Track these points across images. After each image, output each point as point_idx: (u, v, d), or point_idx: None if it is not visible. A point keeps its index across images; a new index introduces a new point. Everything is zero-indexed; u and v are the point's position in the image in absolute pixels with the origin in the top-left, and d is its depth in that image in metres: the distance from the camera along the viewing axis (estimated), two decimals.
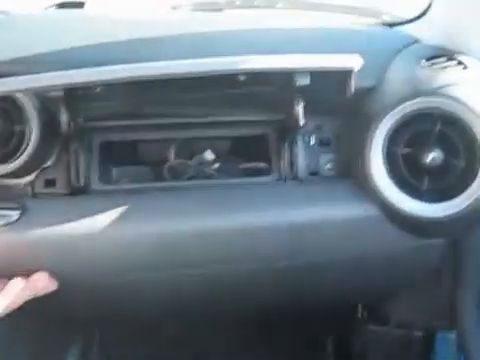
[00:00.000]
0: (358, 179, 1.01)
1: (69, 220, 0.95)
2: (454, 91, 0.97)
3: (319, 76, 0.93)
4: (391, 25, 1.27)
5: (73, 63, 0.91)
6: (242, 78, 0.94)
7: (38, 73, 0.87)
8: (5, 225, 0.94)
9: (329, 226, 1.01)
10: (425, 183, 0.96)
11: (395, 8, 1.37)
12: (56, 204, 1.00)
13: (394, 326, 1.30)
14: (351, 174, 1.04)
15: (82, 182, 1.03)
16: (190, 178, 1.07)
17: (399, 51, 1.09)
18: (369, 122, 0.97)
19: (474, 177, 0.95)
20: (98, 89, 0.93)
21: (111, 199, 0.99)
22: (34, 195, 1.02)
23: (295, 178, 1.07)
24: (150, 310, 1.16)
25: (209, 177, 1.08)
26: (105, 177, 1.06)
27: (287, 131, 1.06)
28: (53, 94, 0.92)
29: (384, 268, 1.10)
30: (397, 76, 1.04)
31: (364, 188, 0.99)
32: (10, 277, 0.94)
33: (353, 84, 0.94)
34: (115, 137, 1.07)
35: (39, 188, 1.03)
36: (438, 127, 0.96)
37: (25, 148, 0.97)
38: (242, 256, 1.02)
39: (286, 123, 1.04)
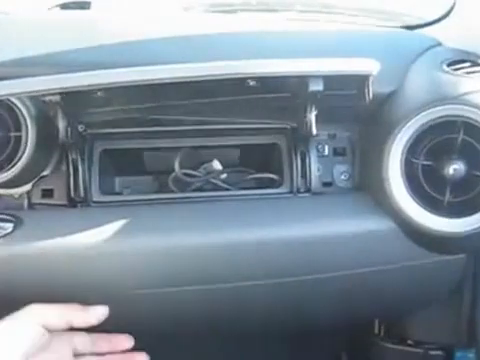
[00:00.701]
0: (374, 191, 0.98)
1: (67, 233, 0.92)
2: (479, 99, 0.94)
3: (334, 81, 0.90)
4: (411, 28, 1.24)
5: (75, 66, 0.89)
6: (253, 83, 0.91)
7: (36, 76, 0.84)
8: None
9: (343, 241, 0.98)
10: (446, 197, 0.93)
11: (416, 10, 1.35)
12: (53, 216, 0.98)
13: (412, 344, 1.27)
14: (367, 186, 1.02)
15: (82, 193, 1.00)
16: (196, 189, 1.05)
17: (420, 54, 1.06)
18: (387, 131, 0.94)
19: None
20: (99, 93, 0.90)
21: (112, 211, 0.97)
22: (30, 206, 1.00)
23: (308, 190, 1.04)
24: (152, 327, 1.13)
25: (217, 189, 1.06)
26: (106, 188, 1.04)
27: (299, 140, 1.04)
28: (50, 99, 0.89)
29: (400, 285, 1.07)
30: (418, 81, 1.01)
31: (381, 201, 0.96)
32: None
33: (371, 90, 0.91)
34: (117, 145, 1.04)
35: (36, 199, 1.00)
36: (461, 137, 0.92)
37: (21, 156, 0.94)
38: (251, 272, 0.99)
39: (298, 131, 1.02)
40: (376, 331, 1.37)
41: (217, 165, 1.06)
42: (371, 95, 0.91)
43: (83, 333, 0.93)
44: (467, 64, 1.03)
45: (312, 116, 0.96)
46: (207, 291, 1.00)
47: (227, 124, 1.03)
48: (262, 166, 1.07)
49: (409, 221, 0.93)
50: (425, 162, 0.93)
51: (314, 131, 0.97)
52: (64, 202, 1.00)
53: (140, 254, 0.94)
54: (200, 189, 1.05)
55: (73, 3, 1.34)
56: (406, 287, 1.08)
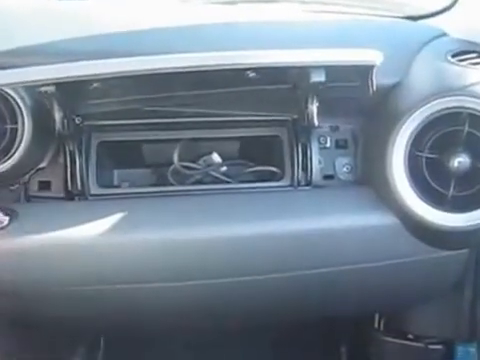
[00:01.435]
0: (377, 185, 0.97)
1: (64, 226, 0.91)
2: None
3: (337, 72, 0.89)
4: (415, 18, 1.22)
5: (72, 56, 0.88)
6: (253, 74, 0.90)
7: (32, 66, 0.83)
8: None
9: (344, 235, 0.97)
10: (451, 190, 0.92)
11: (418, 1, 1.33)
12: (50, 209, 0.97)
13: (412, 338, 1.27)
14: (369, 179, 1.00)
15: (79, 185, 1.00)
16: (195, 182, 1.04)
17: (424, 44, 1.05)
18: (391, 123, 0.93)
19: None
20: (96, 84, 0.89)
21: (110, 204, 0.97)
22: (27, 198, 0.99)
23: (309, 183, 1.03)
24: (153, 320, 1.13)
25: (216, 181, 1.05)
26: (104, 180, 1.03)
27: (301, 132, 1.03)
28: (46, 89, 0.88)
29: (402, 280, 1.07)
30: (422, 72, 1.00)
31: (383, 195, 0.96)
32: None
33: (374, 81, 0.90)
34: (115, 137, 1.03)
35: (33, 191, 1.00)
36: (466, 129, 0.91)
37: (17, 147, 0.93)
38: (251, 266, 0.99)
39: (300, 123, 1.01)
40: (376, 325, 1.36)
41: (217, 158, 1.05)
42: (375, 86, 0.90)
43: None
44: (473, 55, 1.02)
45: (314, 107, 0.95)
46: (207, 285, 1.00)
47: (227, 116, 1.02)
48: (262, 159, 1.06)
49: (412, 216, 0.92)
50: (429, 155, 0.92)
51: (316, 123, 0.96)
52: (61, 195, 1.00)
53: (138, 248, 0.93)
54: (199, 182, 1.04)
55: None
56: (407, 282, 1.07)
